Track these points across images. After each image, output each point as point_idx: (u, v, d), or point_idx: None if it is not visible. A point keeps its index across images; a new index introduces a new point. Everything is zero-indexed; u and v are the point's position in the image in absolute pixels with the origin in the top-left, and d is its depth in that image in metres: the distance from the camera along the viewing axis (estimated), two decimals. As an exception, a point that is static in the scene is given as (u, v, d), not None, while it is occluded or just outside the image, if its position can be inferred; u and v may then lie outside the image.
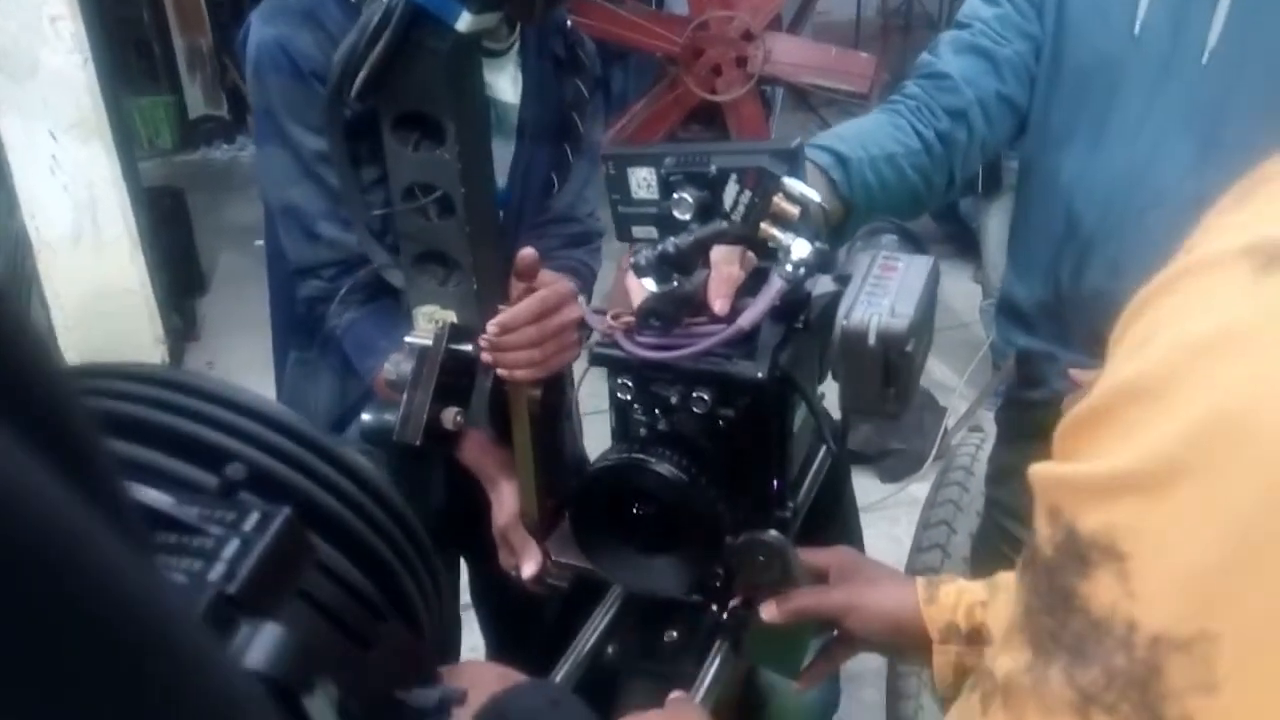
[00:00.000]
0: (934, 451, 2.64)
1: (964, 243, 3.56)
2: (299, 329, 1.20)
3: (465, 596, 1.48)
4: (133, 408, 0.35)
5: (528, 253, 0.91)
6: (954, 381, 3.03)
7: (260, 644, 0.30)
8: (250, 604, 0.30)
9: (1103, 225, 0.88)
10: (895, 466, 2.71)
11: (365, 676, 0.36)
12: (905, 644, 0.74)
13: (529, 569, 0.96)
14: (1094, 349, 0.90)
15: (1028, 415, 1.04)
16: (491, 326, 0.91)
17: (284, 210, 1.04)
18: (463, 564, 1.42)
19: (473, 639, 1.53)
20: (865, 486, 2.69)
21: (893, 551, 1.83)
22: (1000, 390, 1.25)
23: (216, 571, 0.31)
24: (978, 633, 0.71)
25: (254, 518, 0.32)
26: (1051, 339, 0.97)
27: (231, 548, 0.31)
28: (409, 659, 0.39)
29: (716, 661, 0.77)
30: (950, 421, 2.75)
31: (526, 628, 1.20)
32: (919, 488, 2.15)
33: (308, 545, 0.34)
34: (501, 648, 1.49)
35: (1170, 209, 0.84)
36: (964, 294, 3.47)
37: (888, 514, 2.56)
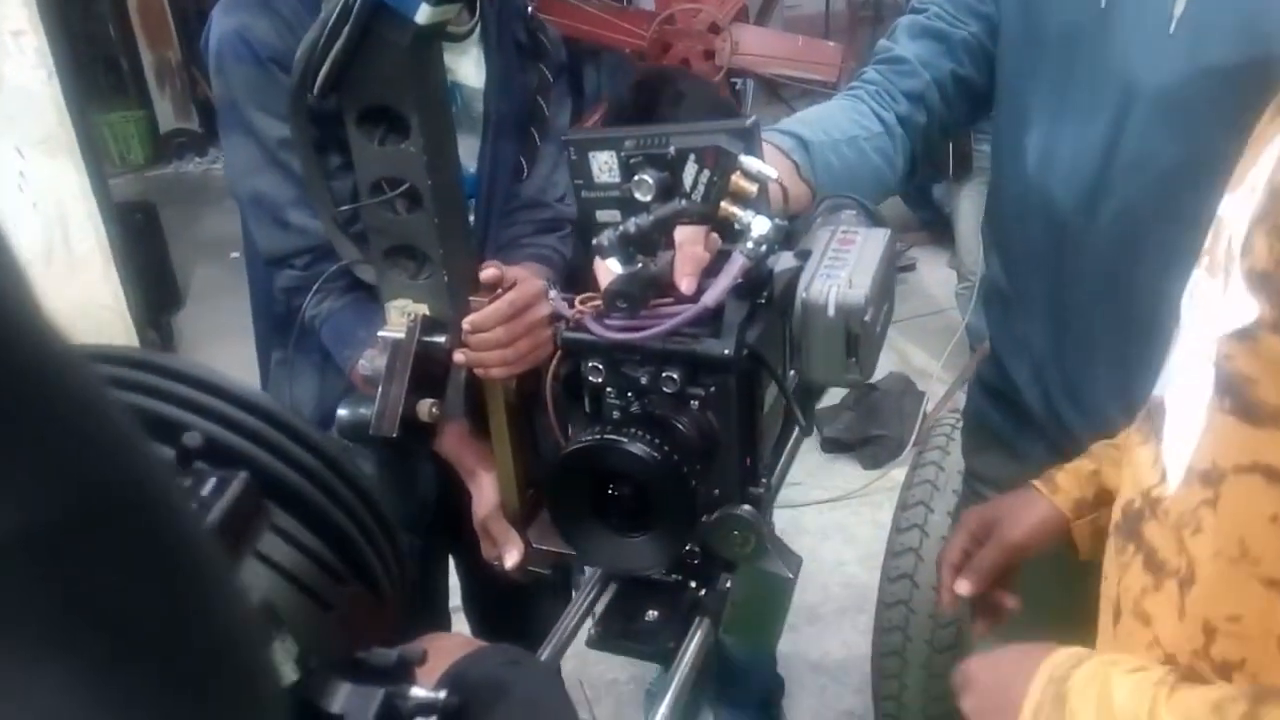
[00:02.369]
0: (914, 436, 2.66)
1: (939, 229, 3.59)
2: (281, 330, 1.20)
3: (455, 599, 1.49)
4: None
5: (490, 273, 0.92)
6: (932, 367, 3.06)
7: None
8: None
9: (1076, 200, 0.89)
10: (876, 453, 2.73)
11: (325, 635, 0.37)
12: (1051, 533, 0.88)
13: (511, 559, 0.96)
14: (1071, 323, 0.92)
15: (1003, 390, 1.05)
16: (464, 326, 0.92)
17: (252, 200, 1.05)
18: (451, 566, 1.42)
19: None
20: (847, 473, 2.71)
21: (876, 537, 1.85)
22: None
23: None
24: (1102, 496, 0.84)
25: (210, 483, 0.33)
26: (1030, 316, 0.98)
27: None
28: (370, 622, 0.40)
29: (696, 638, 0.78)
30: (929, 406, 2.77)
31: (516, 628, 1.20)
32: (900, 473, 2.17)
33: (264, 509, 0.35)
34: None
35: (1144, 180, 0.85)
36: (940, 280, 3.50)
37: (871, 500, 2.58)
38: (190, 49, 5.41)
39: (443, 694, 0.40)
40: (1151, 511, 0.63)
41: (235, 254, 1.05)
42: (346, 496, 0.38)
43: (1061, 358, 0.94)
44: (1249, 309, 0.54)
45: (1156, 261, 0.87)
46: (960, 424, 1.59)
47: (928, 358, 3.14)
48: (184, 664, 0.20)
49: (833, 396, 2.85)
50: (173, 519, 0.22)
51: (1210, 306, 0.62)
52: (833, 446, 2.78)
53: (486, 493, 0.99)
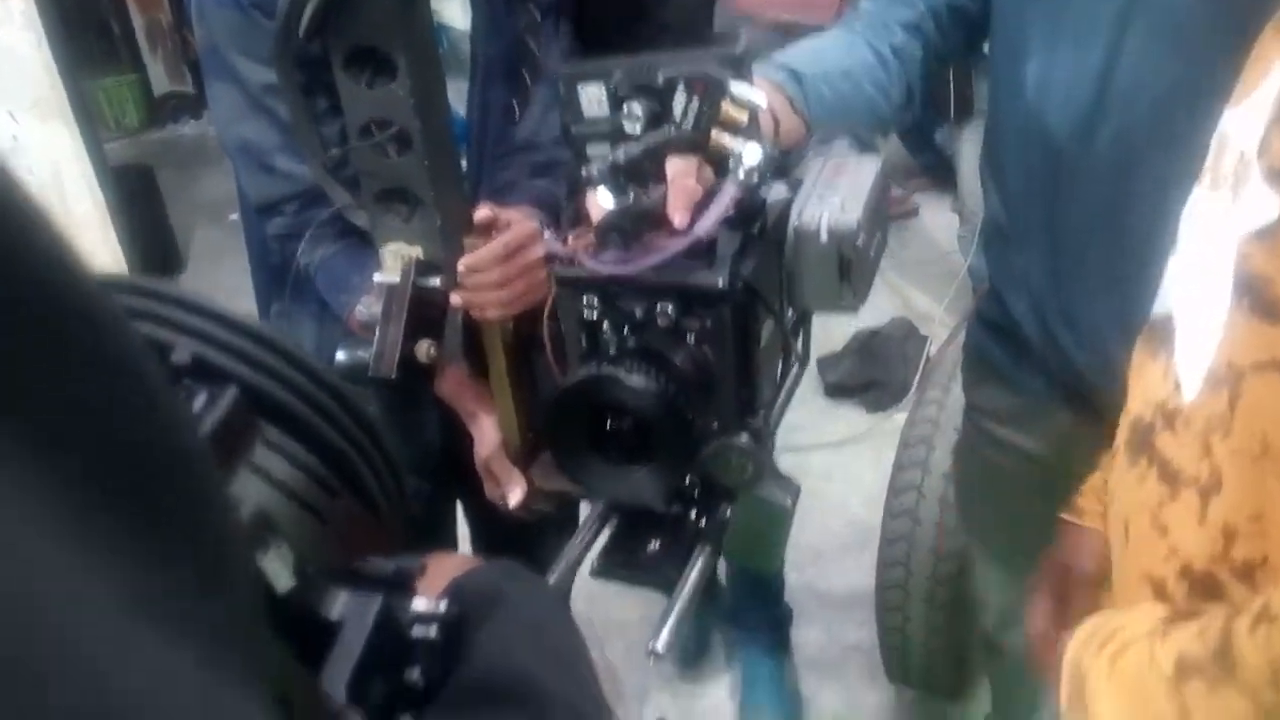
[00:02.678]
0: (916, 380, 2.67)
1: (941, 174, 3.56)
2: (280, 281, 1.20)
3: (464, 545, 1.51)
4: None
5: (484, 214, 0.92)
6: (934, 310, 3.05)
7: None
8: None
9: (1072, 127, 0.88)
10: (879, 397, 2.74)
11: (321, 546, 0.37)
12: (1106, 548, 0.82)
13: (514, 497, 0.98)
14: (1067, 251, 0.91)
15: (1001, 324, 1.05)
16: (459, 267, 0.93)
17: (238, 147, 1.04)
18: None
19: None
20: (851, 417, 2.73)
21: (879, 478, 1.86)
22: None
23: None
24: None
25: (202, 397, 0.34)
26: (1028, 247, 0.98)
27: None
28: (367, 538, 0.40)
29: (698, 566, 0.79)
30: (932, 350, 2.77)
31: (527, 564, 1.22)
32: (903, 416, 2.18)
33: (255, 423, 0.36)
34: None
35: (1140, 105, 0.84)
36: (943, 225, 3.48)
37: (875, 443, 2.59)
38: (181, 10, 5.33)
39: (443, 605, 0.40)
40: (1167, 423, 0.63)
41: (234, 216, 1.05)
42: (338, 414, 0.39)
43: (1059, 287, 0.94)
44: (1270, 207, 0.55)
45: (1153, 186, 0.86)
46: (961, 363, 1.60)
47: (930, 302, 3.14)
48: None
49: (835, 342, 2.85)
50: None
51: (1216, 219, 0.62)
52: (836, 391, 2.79)
53: (488, 433, 1.00)
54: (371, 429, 0.40)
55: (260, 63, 0.97)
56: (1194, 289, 0.63)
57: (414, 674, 0.39)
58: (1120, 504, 0.71)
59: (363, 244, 1.03)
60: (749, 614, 1.93)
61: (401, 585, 0.39)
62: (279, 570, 0.33)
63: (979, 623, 1.54)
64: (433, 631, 0.40)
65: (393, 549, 0.42)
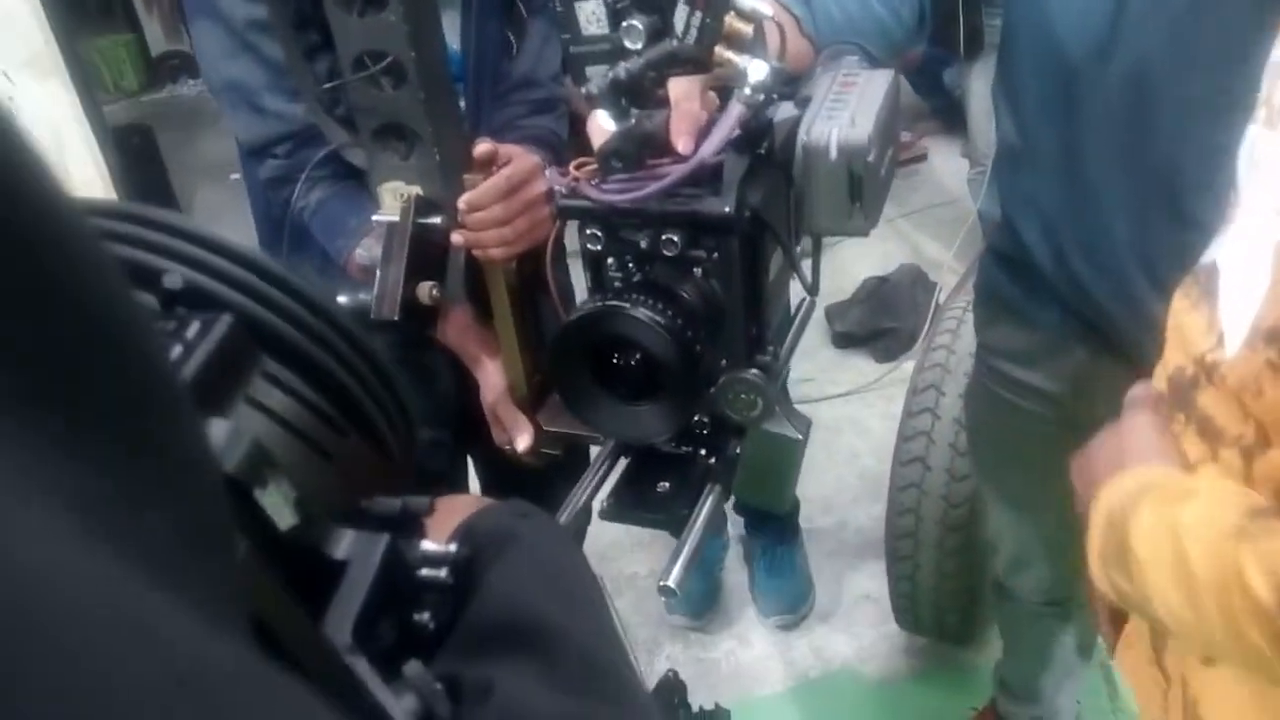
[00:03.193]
0: (926, 328, 2.64)
1: (950, 117, 3.49)
2: (283, 232, 1.18)
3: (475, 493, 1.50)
4: None
5: (484, 149, 0.90)
6: (944, 257, 3.02)
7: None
8: (195, 404, 0.30)
9: (1089, 47, 0.85)
10: (889, 346, 2.71)
11: (325, 483, 0.35)
12: None
13: (522, 442, 0.96)
14: (1085, 177, 0.88)
15: (1013, 255, 1.03)
16: (460, 205, 0.90)
17: (226, 87, 1.01)
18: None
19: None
20: (860, 367, 2.70)
21: (890, 429, 1.84)
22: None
23: None
24: None
25: (195, 326, 0.32)
26: (1042, 171, 0.95)
27: (174, 352, 0.31)
28: (374, 477, 0.39)
29: (708, 504, 0.78)
30: (941, 297, 2.74)
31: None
32: (913, 365, 2.16)
33: (254, 352, 0.34)
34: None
35: (1158, 25, 0.81)
36: (952, 170, 3.43)
37: (884, 393, 2.58)
38: (175, -33, 5.26)
39: (453, 547, 0.39)
40: (1207, 378, 0.60)
41: (235, 176, 1.04)
42: (343, 348, 0.37)
43: (1074, 214, 0.92)
44: None
45: (1173, 111, 0.83)
46: (971, 306, 1.57)
47: (940, 248, 3.10)
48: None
49: (843, 291, 2.82)
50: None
51: (1274, 158, 0.58)
52: (845, 341, 2.76)
53: (493, 378, 0.99)
54: (379, 365, 0.38)
55: None
56: (1243, 239, 0.59)
57: (423, 617, 0.38)
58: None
59: (359, 186, 1.00)
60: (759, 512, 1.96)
61: (409, 524, 0.37)
62: (279, 506, 0.31)
63: (990, 568, 1.54)
64: (442, 573, 0.38)
65: (402, 490, 0.41)
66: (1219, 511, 0.54)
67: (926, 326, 2.64)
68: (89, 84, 3.33)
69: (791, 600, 2.00)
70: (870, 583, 2.03)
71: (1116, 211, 0.88)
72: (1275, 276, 0.53)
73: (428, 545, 0.39)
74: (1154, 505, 0.58)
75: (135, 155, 3.57)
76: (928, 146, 3.63)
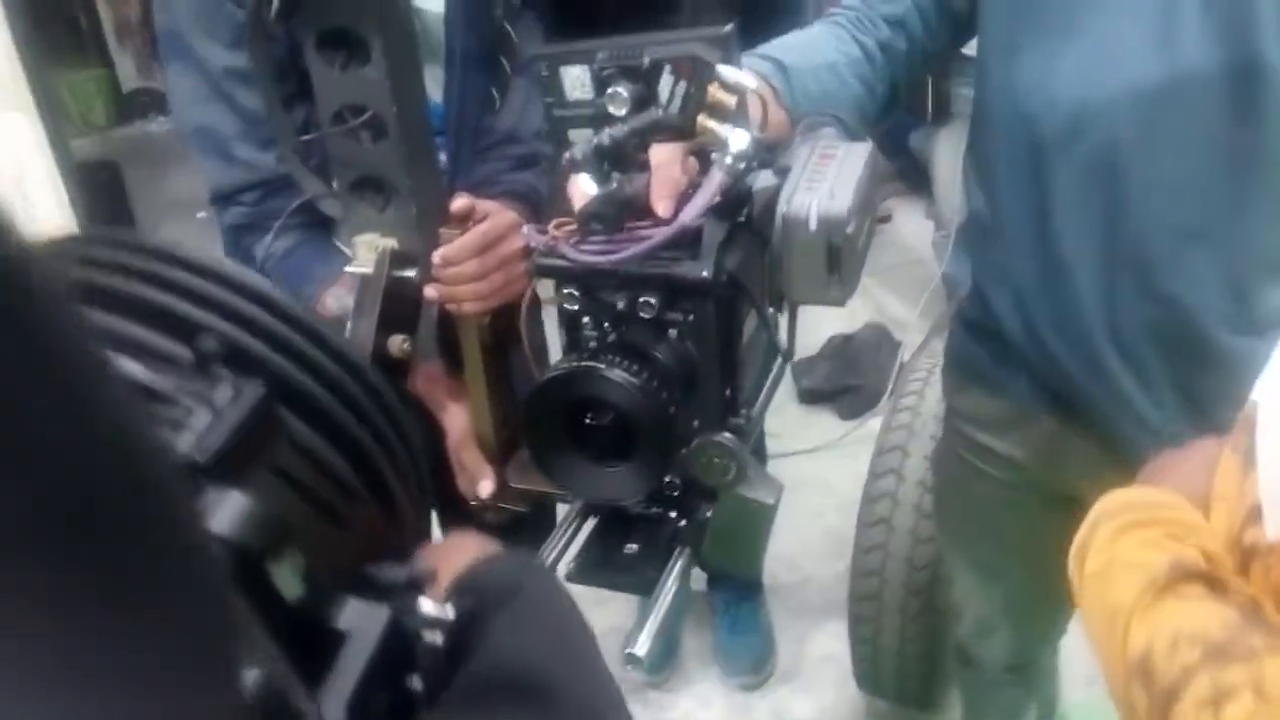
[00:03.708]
0: (890, 386, 2.66)
1: (916, 179, 3.56)
2: None
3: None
4: (107, 277, 0.34)
5: (461, 204, 0.90)
6: (909, 316, 3.06)
7: (226, 510, 0.30)
8: (218, 474, 0.31)
9: (1060, 125, 0.87)
10: (854, 403, 2.73)
11: (333, 552, 0.36)
12: None
13: (485, 489, 0.95)
14: (1056, 252, 0.90)
15: (984, 323, 1.04)
16: (435, 259, 0.90)
17: (196, 132, 1.01)
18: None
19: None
20: (825, 424, 2.71)
21: (854, 487, 1.85)
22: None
23: (186, 441, 0.31)
24: None
25: (227, 390, 0.32)
26: (1013, 245, 0.96)
27: (202, 418, 0.31)
28: (379, 539, 0.39)
29: (677, 568, 0.77)
30: (905, 355, 2.77)
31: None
32: (878, 423, 2.18)
33: (280, 421, 0.34)
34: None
35: (1129, 107, 0.83)
36: (917, 230, 3.49)
37: (848, 450, 2.58)
38: (150, 5, 5.25)
39: (451, 610, 0.39)
40: (1243, 564, 0.53)
41: (202, 214, 1.02)
42: (366, 406, 0.37)
43: (1047, 289, 0.93)
44: None
45: (1143, 190, 0.85)
46: (936, 369, 1.59)
47: (905, 307, 3.14)
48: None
49: (810, 348, 2.84)
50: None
51: None
52: (810, 397, 2.78)
53: (458, 421, 0.97)
54: (397, 421, 0.38)
55: (222, 45, 0.94)
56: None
57: (414, 681, 0.38)
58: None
59: (326, 236, 1.00)
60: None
61: (411, 592, 0.37)
62: (289, 578, 0.32)
63: (952, 632, 1.53)
64: (438, 638, 0.39)
65: (404, 544, 0.41)
66: (1152, 555, 0.54)
67: (891, 385, 2.66)
68: (56, 118, 3.30)
69: (754, 660, 1.98)
70: (833, 643, 2.02)
71: (1087, 287, 0.90)
72: None
73: (427, 607, 0.39)
74: (1121, 524, 0.58)
75: (101, 191, 3.54)
76: (893, 207, 3.70)
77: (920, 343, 2.65)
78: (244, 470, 0.32)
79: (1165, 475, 0.66)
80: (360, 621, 0.35)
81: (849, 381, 2.73)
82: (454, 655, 0.39)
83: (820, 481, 2.51)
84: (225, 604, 0.25)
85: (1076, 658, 1.86)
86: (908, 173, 3.63)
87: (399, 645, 0.37)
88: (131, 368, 0.32)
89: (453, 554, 0.46)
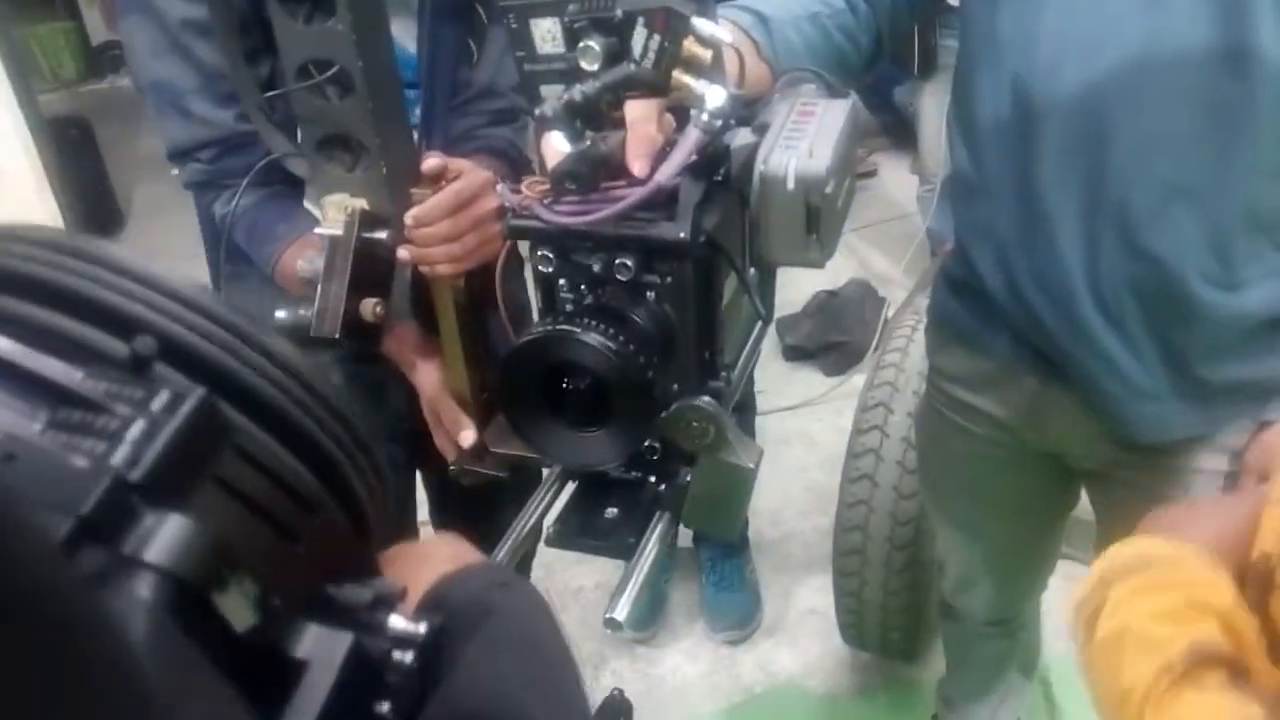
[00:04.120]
0: (875, 342, 2.66)
1: (901, 134, 3.54)
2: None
3: (423, 513, 1.47)
4: (36, 268, 0.31)
5: (433, 163, 0.87)
6: (893, 272, 3.05)
7: (164, 538, 0.28)
8: (156, 492, 0.28)
9: (1043, 79, 0.85)
10: (838, 359, 2.73)
11: (289, 571, 0.33)
12: None
13: (467, 439, 0.93)
14: (1037, 207, 0.88)
15: (967, 281, 1.03)
16: (407, 219, 0.88)
17: (152, 87, 0.98)
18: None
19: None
20: (809, 380, 2.72)
21: (838, 442, 1.85)
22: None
23: (120, 455, 0.28)
24: None
25: (164, 397, 0.30)
26: (995, 200, 0.95)
27: (137, 429, 0.29)
28: (342, 553, 0.37)
29: (656, 532, 0.76)
30: (890, 312, 2.77)
31: (485, 537, 1.19)
32: (862, 379, 2.18)
33: (225, 428, 0.31)
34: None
35: (1115, 60, 0.81)
36: (902, 185, 3.47)
37: (833, 406, 2.59)
38: (118, -45, 5.11)
39: (422, 627, 0.37)
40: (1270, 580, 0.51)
41: (176, 171, 0.99)
42: (320, 412, 0.35)
43: (1029, 245, 0.92)
44: None
45: (1126, 144, 0.84)
46: (920, 326, 1.58)
47: (889, 263, 3.13)
48: None
49: (794, 304, 2.83)
50: None
51: None
52: (794, 354, 2.78)
53: (429, 377, 0.96)
54: (355, 430, 0.36)
55: None
56: None
57: (384, 708, 0.36)
58: None
59: (288, 192, 0.97)
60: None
61: (376, 612, 0.35)
62: (239, 607, 0.29)
63: (935, 586, 1.54)
64: (409, 657, 0.36)
65: (369, 556, 0.39)
66: (1170, 630, 0.50)
67: (876, 341, 2.66)
68: (24, 73, 3.21)
69: (740, 615, 2.00)
70: (816, 597, 2.04)
71: (1069, 243, 0.88)
72: None
73: (398, 623, 0.37)
74: (1134, 586, 0.55)
75: (72, 148, 3.46)
76: (878, 162, 3.67)
77: (904, 299, 2.64)
78: (185, 486, 0.30)
79: (1185, 525, 0.61)
80: (321, 649, 0.33)
81: (833, 338, 2.73)
82: (425, 674, 0.37)
83: (804, 437, 2.52)
84: (133, 680, 0.23)
85: (1058, 610, 1.88)
86: (893, 127, 3.60)
87: (364, 671, 0.34)
88: (64, 370, 0.29)
89: (422, 563, 0.44)
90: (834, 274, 2.93)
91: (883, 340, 1.90)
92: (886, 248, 3.19)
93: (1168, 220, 0.85)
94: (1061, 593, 1.82)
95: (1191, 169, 0.83)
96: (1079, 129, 0.85)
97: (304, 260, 0.91)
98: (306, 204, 0.99)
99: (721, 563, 2.02)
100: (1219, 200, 0.84)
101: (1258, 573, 0.51)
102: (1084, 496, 1.19)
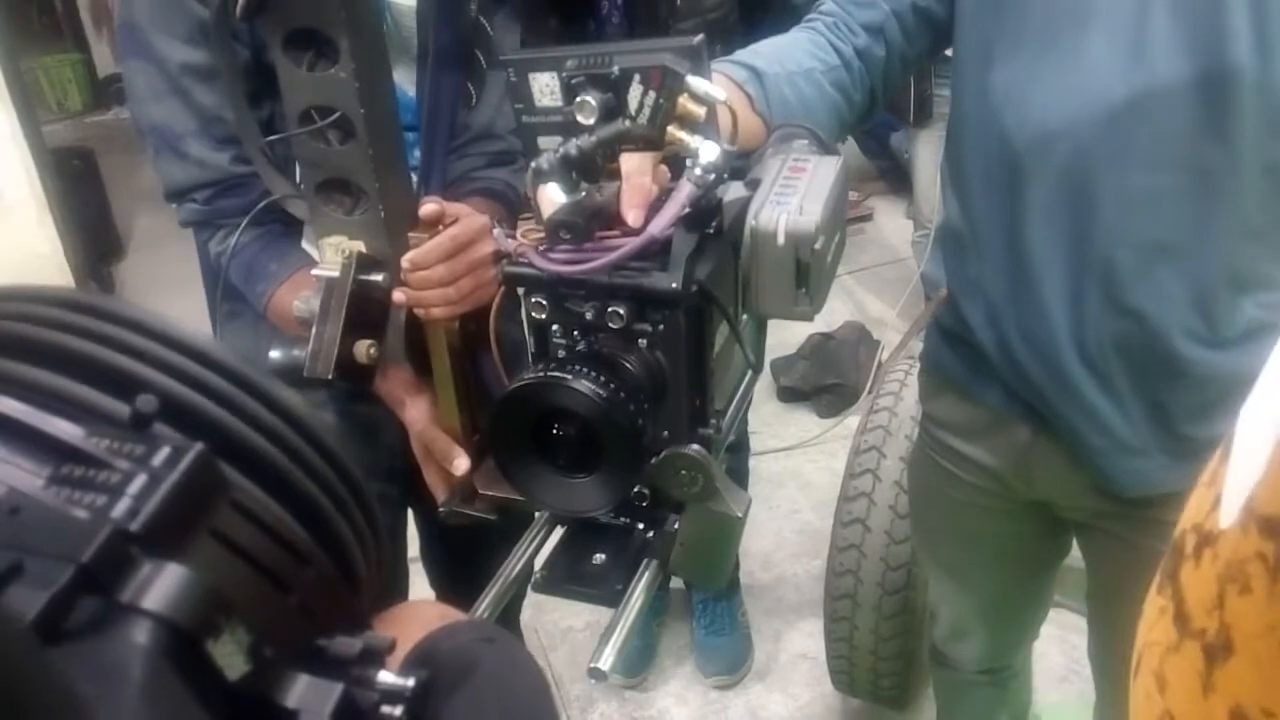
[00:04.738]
0: (869, 385, 2.67)
1: (896, 179, 3.58)
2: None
3: (414, 550, 1.47)
4: (39, 331, 0.33)
5: (430, 208, 0.88)
6: (888, 315, 3.07)
7: (161, 585, 0.29)
8: (154, 543, 0.29)
9: (1032, 138, 0.87)
10: (833, 402, 2.73)
11: (282, 622, 0.34)
12: None
13: (460, 466, 0.93)
14: (1026, 264, 0.89)
15: (959, 333, 1.04)
16: (403, 263, 0.89)
17: (151, 129, 0.99)
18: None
19: (423, 591, 1.52)
20: (803, 422, 2.72)
21: (832, 484, 1.85)
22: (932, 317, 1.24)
23: (120, 508, 0.29)
24: None
25: (164, 452, 0.31)
26: (986, 257, 0.96)
27: (138, 483, 0.30)
28: (334, 606, 0.37)
29: (644, 580, 0.76)
30: (884, 355, 2.78)
31: (474, 577, 1.18)
32: (856, 421, 2.18)
33: (222, 483, 0.32)
34: (449, 597, 1.47)
35: (1101, 120, 0.83)
36: (897, 229, 3.50)
37: (826, 448, 2.59)
38: (127, -11, 5.17)
39: (410, 681, 0.37)
40: (1197, 550, 0.52)
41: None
42: (319, 466, 0.36)
43: (1016, 299, 0.93)
44: None
45: (1112, 204, 0.85)
46: (914, 370, 1.59)
47: (884, 306, 3.15)
48: None
49: (789, 346, 2.85)
50: None
51: None
52: (789, 395, 2.78)
53: (419, 412, 0.96)
54: (353, 482, 0.37)
55: (180, 41, 0.93)
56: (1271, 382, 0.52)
57: None
58: (1140, 630, 0.58)
59: (284, 232, 0.99)
60: None
61: (369, 662, 0.36)
62: (232, 655, 0.30)
63: (927, 633, 1.54)
64: (397, 711, 0.37)
65: (360, 609, 0.39)
66: None
67: (870, 384, 2.67)
68: (31, 104, 3.25)
69: (731, 660, 1.98)
70: (807, 641, 2.03)
71: (1055, 299, 0.89)
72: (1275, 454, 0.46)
73: (386, 678, 0.37)
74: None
75: (75, 179, 3.49)
76: (874, 206, 3.71)
77: (899, 343, 2.65)
78: (183, 538, 0.30)
79: None
80: (311, 699, 0.33)
81: (827, 380, 2.74)
82: None
83: (798, 479, 2.52)
84: None
85: (1049, 658, 1.87)
86: (889, 172, 3.64)
87: None
88: (66, 429, 0.30)
89: (410, 622, 0.44)
90: (829, 316, 2.95)
91: (877, 383, 1.91)
92: (881, 291, 3.21)
93: (1152, 278, 0.86)
94: (1051, 641, 1.81)
95: (1175, 229, 0.84)
96: (1066, 187, 0.87)
97: (300, 300, 0.92)
98: (304, 244, 1.00)
99: (713, 605, 2.01)
100: (1202, 259, 0.85)
101: (1175, 548, 0.51)
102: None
